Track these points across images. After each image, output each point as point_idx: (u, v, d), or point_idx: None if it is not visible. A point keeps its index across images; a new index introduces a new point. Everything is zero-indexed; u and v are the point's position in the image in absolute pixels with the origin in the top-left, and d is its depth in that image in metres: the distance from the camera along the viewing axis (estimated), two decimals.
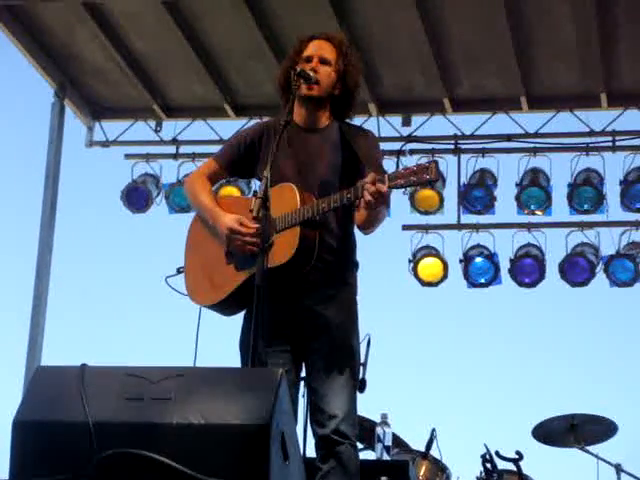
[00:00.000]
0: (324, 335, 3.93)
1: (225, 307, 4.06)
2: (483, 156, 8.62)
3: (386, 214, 4.12)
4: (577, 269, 8.36)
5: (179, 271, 4.22)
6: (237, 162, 4.18)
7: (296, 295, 3.94)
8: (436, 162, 3.78)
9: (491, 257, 8.50)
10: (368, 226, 4.03)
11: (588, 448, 6.19)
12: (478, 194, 8.55)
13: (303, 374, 4.06)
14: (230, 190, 8.43)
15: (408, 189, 8.03)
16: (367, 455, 5.95)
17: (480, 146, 8.59)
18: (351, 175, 4.01)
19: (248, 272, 3.87)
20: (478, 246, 8.56)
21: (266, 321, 3.63)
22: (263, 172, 3.79)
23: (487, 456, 5.87)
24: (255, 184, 8.21)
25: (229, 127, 8.66)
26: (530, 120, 8.52)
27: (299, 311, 3.95)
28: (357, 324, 4.04)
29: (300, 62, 4.08)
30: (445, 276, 8.52)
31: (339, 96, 4.11)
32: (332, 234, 4.00)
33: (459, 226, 8.59)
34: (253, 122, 4.76)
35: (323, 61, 4.08)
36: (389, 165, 6.77)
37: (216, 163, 4.22)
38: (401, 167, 3.87)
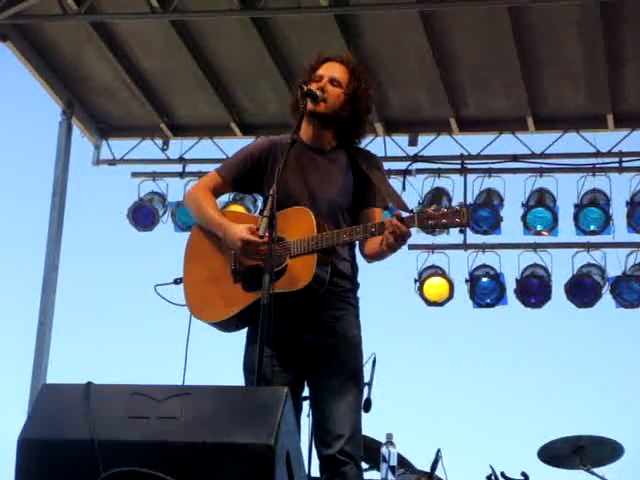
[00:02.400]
0: (331, 355, 3.92)
1: (230, 325, 4.03)
2: (489, 176, 8.62)
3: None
4: (583, 290, 8.35)
5: (176, 282, 4.15)
6: (242, 177, 4.14)
7: (305, 316, 3.94)
8: (469, 208, 3.74)
9: (497, 277, 8.49)
10: (377, 259, 4.03)
11: (594, 470, 6.16)
12: (484, 214, 8.55)
13: (306, 393, 4.05)
14: (235, 208, 8.44)
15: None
16: (372, 475, 5.93)
17: (486, 166, 8.60)
18: (360, 197, 4.01)
19: (257, 294, 3.78)
20: (484, 266, 8.56)
21: (272, 341, 3.62)
22: (269, 190, 3.78)
23: (492, 477, 5.85)
24: (261, 202, 8.22)
25: (235, 146, 8.52)
26: (536, 140, 8.54)
27: (307, 332, 3.94)
28: (362, 344, 4.04)
29: (312, 81, 4.10)
30: (451, 296, 8.51)
31: (347, 119, 4.11)
32: (341, 258, 4.00)
33: (465, 246, 8.59)
34: (255, 140, 4.78)
35: (333, 82, 4.08)
36: (395, 185, 6.77)
37: (219, 177, 4.17)
38: (432, 207, 3.81)
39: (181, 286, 4.12)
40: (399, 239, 3.76)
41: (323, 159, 4.09)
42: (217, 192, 4.20)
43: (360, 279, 4.11)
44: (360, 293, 4.10)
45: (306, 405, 4.09)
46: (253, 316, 3.72)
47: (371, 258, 4.04)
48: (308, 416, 4.08)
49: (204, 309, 4.06)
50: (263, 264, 3.77)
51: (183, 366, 4.15)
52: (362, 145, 4.23)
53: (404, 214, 3.79)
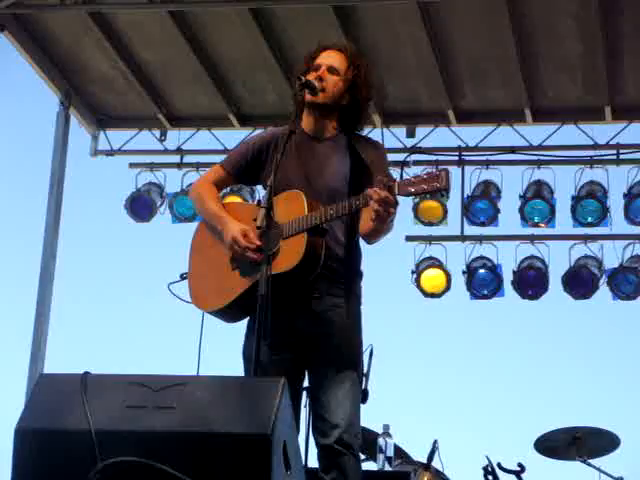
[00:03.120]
0: (328, 344, 3.93)
1: (228, 314, 4.05)
2: (487, 168, 8.63)
3: (392, 226, 4.06)
4: (580, 282, 8.36)
5: (182, 277, 4.20)
6: (244, 169, 4.17)
7: (302, 303, 3.94)
8: (447, 170, 3.75)
9: (494, 269, 8.50)
10: (374, 236, 4.00)
11: (590, 461, 6.17)
12: (482, 206, 8.55)
13: (306, 384, 4.06)
14: (233, 199, 8.43)
15: (415, 198, 8.03)
16: (369, 466, 5.95)
17: (484, 158, 8.60)
18: (359, 184, 4.00)
19: (252, 279, 3.85)
20: (481, 258, 8.56)
21: (270, 329, 3.62)
22: (268, 181, 3.80)
23: (489, 468, 5.86)
24: (259, 193, 8.23)
25: (233, 137, 8.69)
26: (534, 132, 8.53)
27: (304, 319, 3.94)
28: (361, 334, 4.04)
29: (310, 70, 4.10)
30: (448, 287, 8.52)
31: (347, 107, 4.11)
32: (338, 243, 3.99)
33: (462, 238, 8.59)
34: (257, 132, 4.78)
35: (331, 70, 4.08)
36: (393, 176, 6.76)
37: (223, 170, 4.21)
38: (412, 175, 3.85)
39: (186, 280, 4.16)
40: (384, 207, 3.74)
41: (322, 146, 4.10)
42: (220, 185, 4.24)
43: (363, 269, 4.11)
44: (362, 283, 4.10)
45: (304, 395, 4.10)
46: (251, 304, 3.73)
47: (367, 237, 4.02)
48: (305, 406, 4.09)
49: (205, 299, 4.09)
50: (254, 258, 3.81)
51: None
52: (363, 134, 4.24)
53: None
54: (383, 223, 3.83)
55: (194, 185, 4.38)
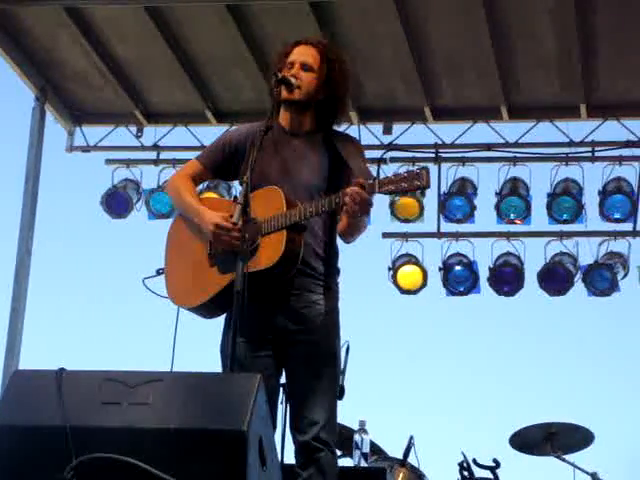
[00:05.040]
0: (306, 341, 3.93)
1: (206, 310, 4.05)
2: (463, 165, 8.65)
3: (367, 223, 4.11)
4: (556, 278, 8.40)
5: (159, 272, 4.18)
6: (221, 164, 4.16)
7: (280, 299, 3.94)
8: (427, 169, 3.77)
9: (470, 265, 8.53)
10: (350, 234, 4.03)
11: (565, 457, 6.21)
12: (458, 203, 8.58)
13: (283, 380, 4.06)
14: (210, 195, 8.42)
15: (392, 195, 8.05)
16: (345, 462, 5.95)
17: (460, 155, 8.62)
18: (337, 179, 4.02)
19: (231, 275, 3.82)
20: (457, 254, 8.59)
21: (248, 326, 3.62)
22: (244, 177, 3.79)
23: (464, 464, 5.88)
24: (236, 189, 8.22)
25: (210, 133, 8.66)
26: (510, 130, 8.57)
27: (283, 316, 3.95)
28: (339, 330, 4.05)
29: (284, 67, 4.10)
30: (424, 284, 8.54)
31: (324, 102, 4.11)
32: (317, 239, 4.00)
33: (439, 234, 8.61)
34: (234, 127, 4.78)
35: (305, 67, 4.08)
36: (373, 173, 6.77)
37: (200, 164, 4.20)
38: (392, 173, 3.88)
39: (163, 276, 4.15)
40: (361, 206, 3.76)
41: (300, 142, 4.10)
42: (197, 179, 4.23)
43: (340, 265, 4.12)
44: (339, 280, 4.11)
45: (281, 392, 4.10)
46: (230, 300, 3.71)
47: (344, 235, 4.05)
48: (281, 403, 4.09)
49: (183, 295, 4.08)
50: (239, 245, 3.79)
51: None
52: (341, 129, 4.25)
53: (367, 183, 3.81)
54: (355, 218, 3.86)
55: (171, 179, 4.37)
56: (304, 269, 3.92)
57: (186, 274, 4.07)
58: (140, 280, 4.30)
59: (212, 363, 4.00)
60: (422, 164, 8.62)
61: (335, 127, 4.20)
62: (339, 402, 4.05)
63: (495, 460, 5.87)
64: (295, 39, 4.18)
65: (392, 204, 8.56)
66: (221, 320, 4.07)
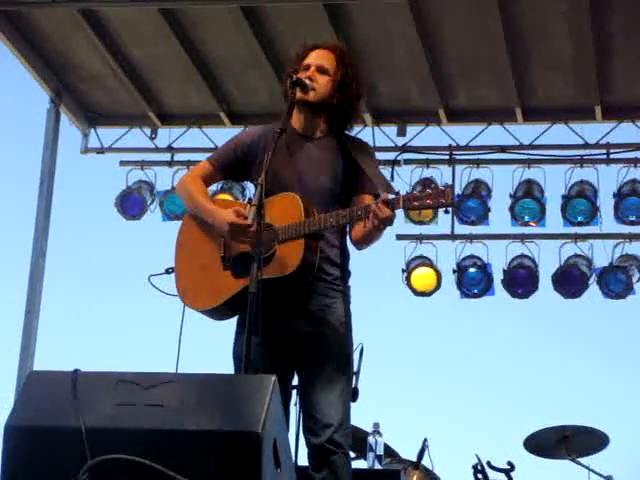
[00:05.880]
0: (321, 344, 3.93)
1: (219, 313, 4.05)
2: (477, 167, 8.63)
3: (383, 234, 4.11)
4: (570, 281, 8.37)
5: (168, 271, 4.17)
6: (232, 165, 4.16)
7: (294, 303, 3.94)
8: (452, 187, 3.78)
9: (484, 268, 8.51)
10: (365, 242, 4.04)
11: (580, 460, 6.19)
12: (472, 205, 8.56)
13: (295, 382, 4.06)
14: (224, 197, 8.43)
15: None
16: (359, 464, 5.95)
17: (475, 157, 8.60)
18: (350, 183, 4.02)
19: (246, 280, 3.79)
20: (472, 257, 8.57)
21: (262, 328, 3.62)
22: (259, 178, 3.78)
23: (478, 466, 5.88)
24: (249, 191, 8.23)
25: (224, 135, 8.59)
26: (525, 132, 8.54)
27: (298, 319, 3.95)
28: (351, 333, 4.05)
29: (300, 70, 4.10)
30: (438, 286, 8.52)
31: (337, 106, 4.11)
32: (330, 245, 4.01)
33: (453, 236, 8.60)
34: (246, 130, 4.79)
35: (321, 70, 4.09)
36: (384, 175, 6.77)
37: (210, 165, 4.20)
38: (417, 190, 3.89)
39: (172, 275, 4.14)
40: (384, 222, 3.78)
41: (314, 146, 4.10)
42: (208, 180, 4.22)
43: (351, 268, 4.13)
44: (350, 282, 4.12)
45: (294, 394, 4.10)
46: (243, 304, 3.71)
47: (359, 244, 4.06)
48: (295, 405, 4.09)
49: (194, 297, 4.08)
50: (252, 250, 3.79)
51: (176, 355, 4.16)
52: (352, 133, 4.24)
53: (390, 197, 3.82)
54: (378, 234, 3.89)
55: (181, 180, 4.36)
56: (319, 274, 3.93)
57: (198, 276, 4.06)
58: (146, 275, 4.29)
59: (219, 363, 4.00)
60: (436, 166, 8.63)
61: (347, 132, 4.20)
62: (353, 404, 4.05)
63: (510, 463, 5.86)
64: (311, 42, 4.18)
65: None
66: (229, 320, 4.07)
